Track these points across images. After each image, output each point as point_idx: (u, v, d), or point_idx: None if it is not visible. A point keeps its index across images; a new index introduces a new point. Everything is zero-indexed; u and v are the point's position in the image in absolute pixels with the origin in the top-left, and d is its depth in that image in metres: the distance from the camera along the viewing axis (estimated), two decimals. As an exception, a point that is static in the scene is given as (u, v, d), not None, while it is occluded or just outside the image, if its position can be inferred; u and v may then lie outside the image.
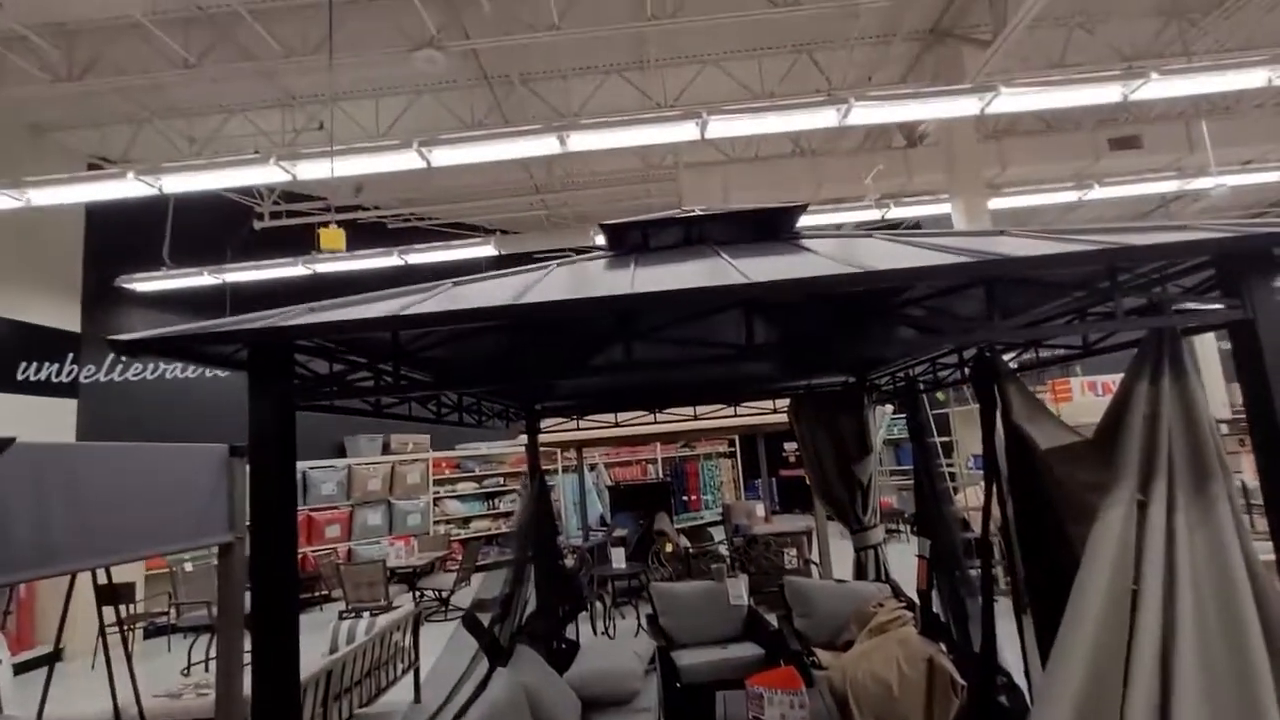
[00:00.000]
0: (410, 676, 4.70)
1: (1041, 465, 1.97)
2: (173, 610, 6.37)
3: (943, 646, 3.17)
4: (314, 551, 8.32)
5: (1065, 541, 1.91)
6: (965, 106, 5.44)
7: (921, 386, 3.63)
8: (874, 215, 8.85)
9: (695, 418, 5.46)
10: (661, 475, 11.33)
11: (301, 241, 8.45)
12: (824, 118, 5.49)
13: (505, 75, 7.41)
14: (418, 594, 7.35)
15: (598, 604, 6.32)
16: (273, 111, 7.64)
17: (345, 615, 4.65)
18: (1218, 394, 10.34)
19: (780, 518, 10.82)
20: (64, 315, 8.32)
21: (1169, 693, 1.47)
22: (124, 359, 8.69)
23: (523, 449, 4.53)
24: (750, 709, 2.63)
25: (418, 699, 4.68)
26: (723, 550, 7.20)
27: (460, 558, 7.99)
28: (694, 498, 11.55)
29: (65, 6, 5.77)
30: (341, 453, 9.72)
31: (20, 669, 5.59)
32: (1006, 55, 6.08)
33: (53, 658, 3.86)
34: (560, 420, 5.34)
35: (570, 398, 4.47)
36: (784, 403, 4.97)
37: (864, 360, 4.00)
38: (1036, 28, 6.53)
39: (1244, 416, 1.63)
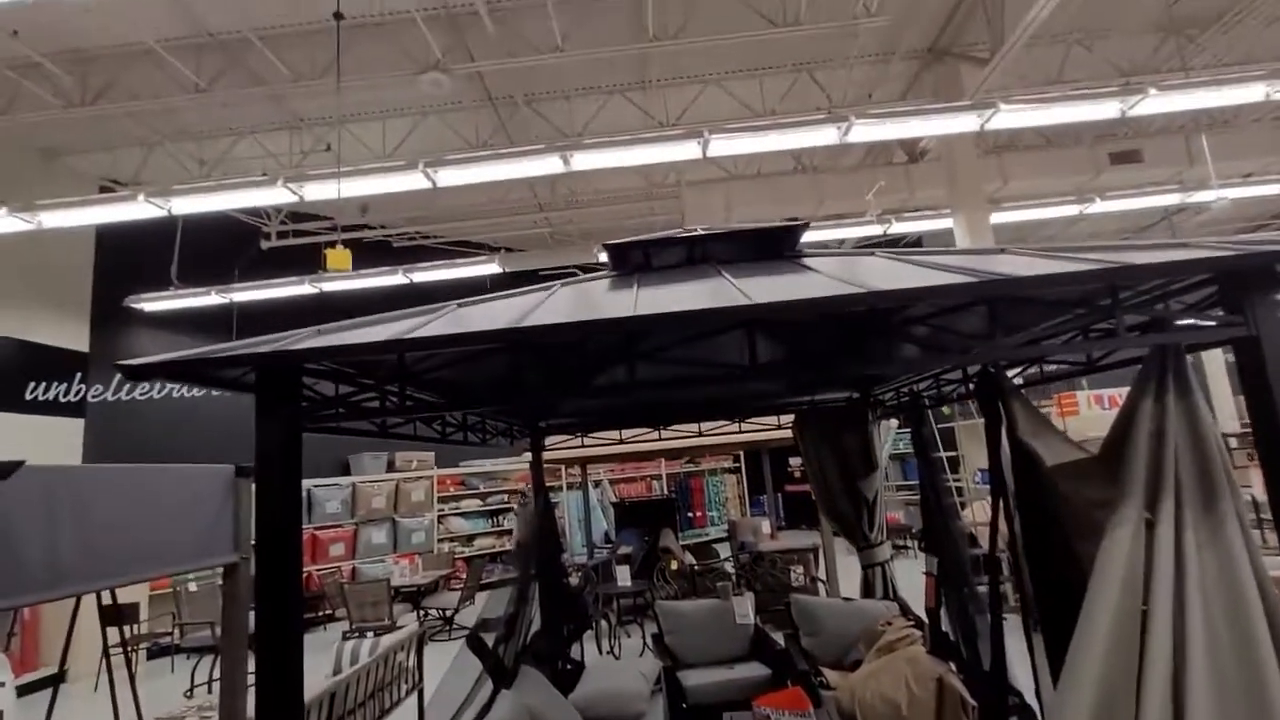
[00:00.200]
0: (414, 698, 4.65)
1: (1047, 482, 1.96)
2: (176, 631, 6.34)
3: (952, 666, 3.12)
4: (318, 570, 8.29)
5: (1073, 558, 1.89)
6: (965, 123, 5.48)
7: (926, 402, 3.62)
8: (876, 230, 8.89)
9: (700, 434, 5.45)
10: (666, 491, 11.27)
11: (308, 261, 8.53)
12: (825, 135, 5.54)
13: (509, 96, 7.52)
14: (422, 613, 7.30)
15: (603, 623, 6.27)
16: (281, 134, 7.77)
17: (349, 635, 4.63)
18: (1226, 407, 10.28)
19: (786, 534, 10.74)
20: (73, 335, 8.39)
21: (1182, 712, 1.46)
22: (131, 378, 8.73)
23: (527, 465, 4.52)
24: (758, 731, 2.60)
25: (421, 721, 4.63)
26: (728, 568, 7.15)
27: (464, 576, 7.95)
28: (699, 514, 11.46)
29: (80, 33, 5.91)
30: (346, 470, 9.72)
31: (24, 690, 5.57)
32: (1005, 73, 6.15)
33: (57, 679, 3.85)
34: (564, 437, 5.34)
35: (574, 415, 4.47)
36: (788, 418, 4.96)
37: (868, 376, 3.99)
38: (1034, 45, 6.60)
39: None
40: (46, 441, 7.82)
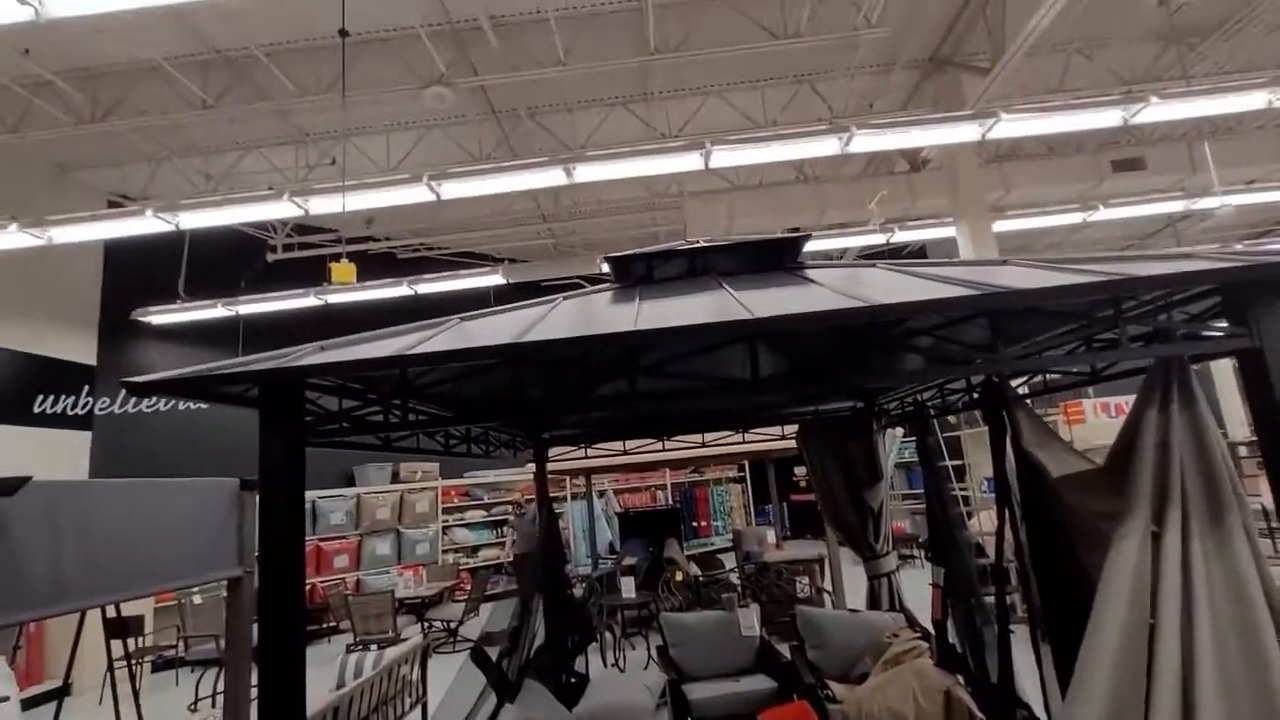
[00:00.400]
0: (418, 712, 4.63)
1: (1053, 492, 1.95)
2: (181, 644, 6.34)
3: (960, 678, 3.09)
4: (322, 582, 8.28)
5: (1080, 569, 1.88)
6: (966, 132, 5.50)
7: (930, 411, 3.61)
8: (878, 240, 8.89)
9: (703, 444, 5.44)
10: (671, 501, 11.24)
11: (314, 273, 8.59)
12: (826, 146, 5.56)
13: (513, 109, 7.59)
14: (426, 625, 7.27)
15: (607, 635, 6.23)
16: (287, 148, 7.85)
17: (353, 648, 4.61)
18: (1236, 415, 10.19)
19: (791, 543, 10.68)
20: (81, 348, 8.45)
21: (1192, 727, 1.44)
22: (138, 390, 8.78)
23: (531, 476, 4.52)
24: (763, 745, 2.57)
25: (425, 735, 4.60)
26: (733, 578, 7.11)
27: (469, 587, 7.92)
28: (704, 524, 11.43)
29: (90, 52, 6.00)
30: (351, 481, 9.73)
31: (29, 704, 5.57)
32: (1005, 82, 6.17)
33: (61, 692, 3.85)
34: (568, 448, 5.34)
35: (578, 426, 4.47)
36: (793, 428, 4.95)
37: (872, 386, 3.99)
38: (1035, 55, 6.62)
39: (1260, 441, 1.61)
40: (54, 454, 7.86)
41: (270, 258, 9.50)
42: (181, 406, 9.11)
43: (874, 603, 4.34)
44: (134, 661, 4.29)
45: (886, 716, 2.98)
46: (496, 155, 8.02)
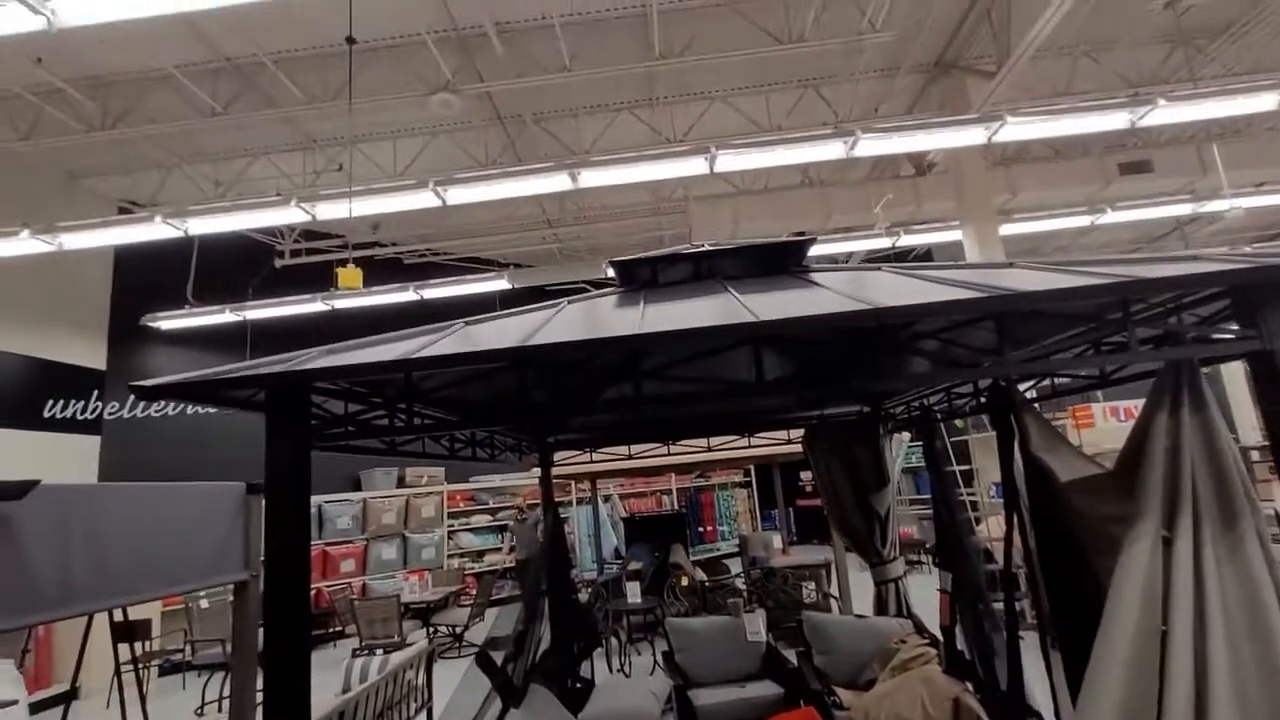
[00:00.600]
0: (424, 716, 4.62)
1: (1062, 497, 1.94)
2: (188, 648, 6.35)
3: (968, 685, 3.06)
4: (328, 586, 8.28)
5: (1091, 574, 1.86)
6: (972, 136, 5.48)
7: (937, 415, 3.58)
8: (884, 244, 8.87)
9: (709, 449, 5.42)
10: (676, 506, 11.21)
11: (321, 278, 8.63)
12: (831, 150, 5.55)
13: (518, 115, 7.62)
14: (431, 630, 7.27)
15: (613, 640, 6.21)
16: (294, 154, 7.91)
17: (359, 653, 4.61)
18: (1248, 418, 10.08)
19: (798, 548, 10.62)
20: (90, 353, 8.52)
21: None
22: (147, 395, 8.85)
23: (537, 481, 4.52)
24: (770, 752, 2.55)
25: (431, 740, 4.59)
26: (739, 584, 7.07)
27: (474, 592, 7.92)
28: (710, 529, 11.40)
29: (101, 60, 6.07)
30: (357, 486, 9.75)
31: (37, 708, 5.59)
32: (1011, 85, 6.15)
33: (69, 696, 3.87)
34: (574, 452, 5.34)
35: (583, 431, 4.47)
36: (798, 433, 4.93)
37: (878, 390, 3.97)
38: (1041, 58, 6.61)
39: (1272, 445, 1.59)
40: (63, 459, 7.92)
41: (278, 263, 9.56)
42: (189, 411, 9.17)
43: (881, 608, 4.31)
44: (141, 665, 4.30)
45: (894, 723, 2.95)
46: (502, 161, 8.05)
